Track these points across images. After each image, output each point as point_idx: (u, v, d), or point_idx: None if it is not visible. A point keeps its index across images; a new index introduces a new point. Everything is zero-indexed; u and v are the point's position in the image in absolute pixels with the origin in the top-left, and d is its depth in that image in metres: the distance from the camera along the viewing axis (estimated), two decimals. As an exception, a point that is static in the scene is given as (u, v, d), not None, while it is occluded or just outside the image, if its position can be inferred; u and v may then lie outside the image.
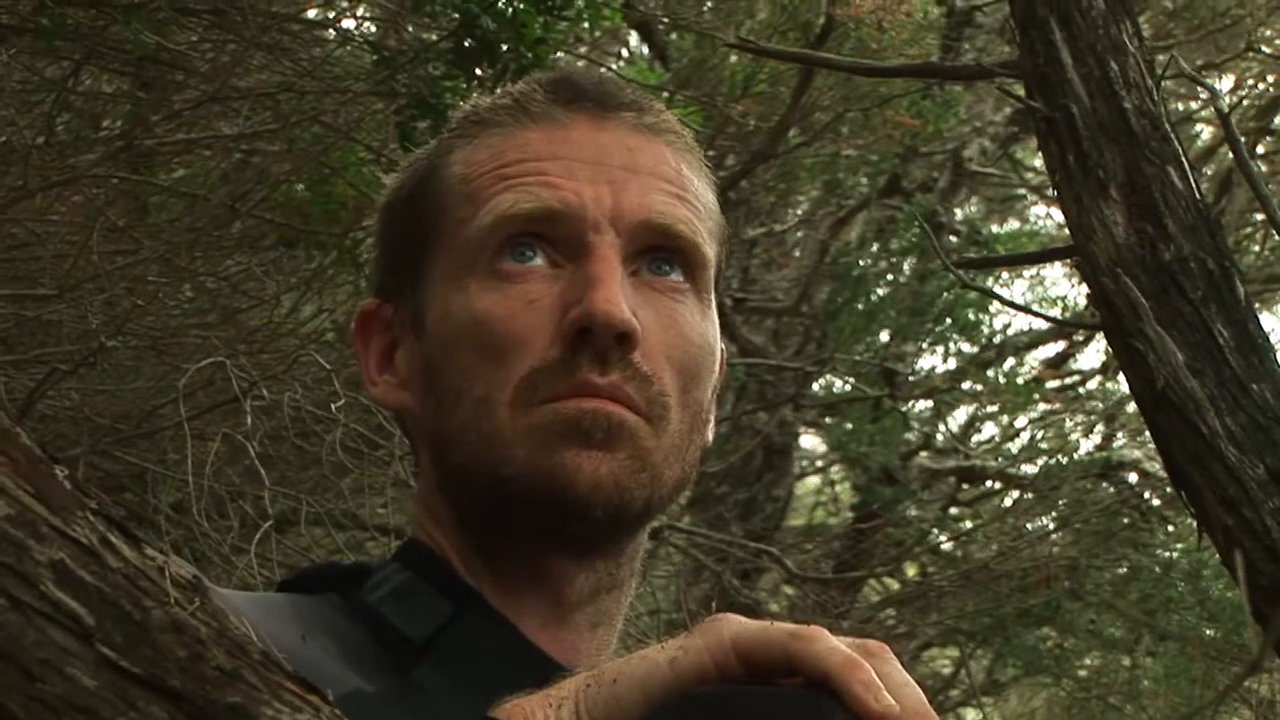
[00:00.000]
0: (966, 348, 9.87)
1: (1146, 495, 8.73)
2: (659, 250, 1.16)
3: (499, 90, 1.26)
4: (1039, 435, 9.85)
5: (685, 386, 1.15)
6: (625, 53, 9.83)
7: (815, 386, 9.88)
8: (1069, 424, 9.84)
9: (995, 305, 9.64)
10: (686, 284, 1.17)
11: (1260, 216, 8.61)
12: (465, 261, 1.15)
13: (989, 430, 10.64)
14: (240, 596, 1.12)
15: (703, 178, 1.23)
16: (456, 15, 4.34)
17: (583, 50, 7.95)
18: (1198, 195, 2.94)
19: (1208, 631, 7.51)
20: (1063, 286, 10.84)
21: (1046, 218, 11.22)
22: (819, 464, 10.99)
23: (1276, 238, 8.54)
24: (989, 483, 9.96)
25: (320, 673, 0.86)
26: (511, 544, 1.14)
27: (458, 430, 1.14)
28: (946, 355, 9.90)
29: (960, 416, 10.57)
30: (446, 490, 1.18)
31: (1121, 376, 3.27)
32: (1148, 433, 3.17)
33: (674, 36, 8.38)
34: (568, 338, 1.10)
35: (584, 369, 1.10)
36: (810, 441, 10.97)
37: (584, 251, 1.13)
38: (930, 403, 10.15)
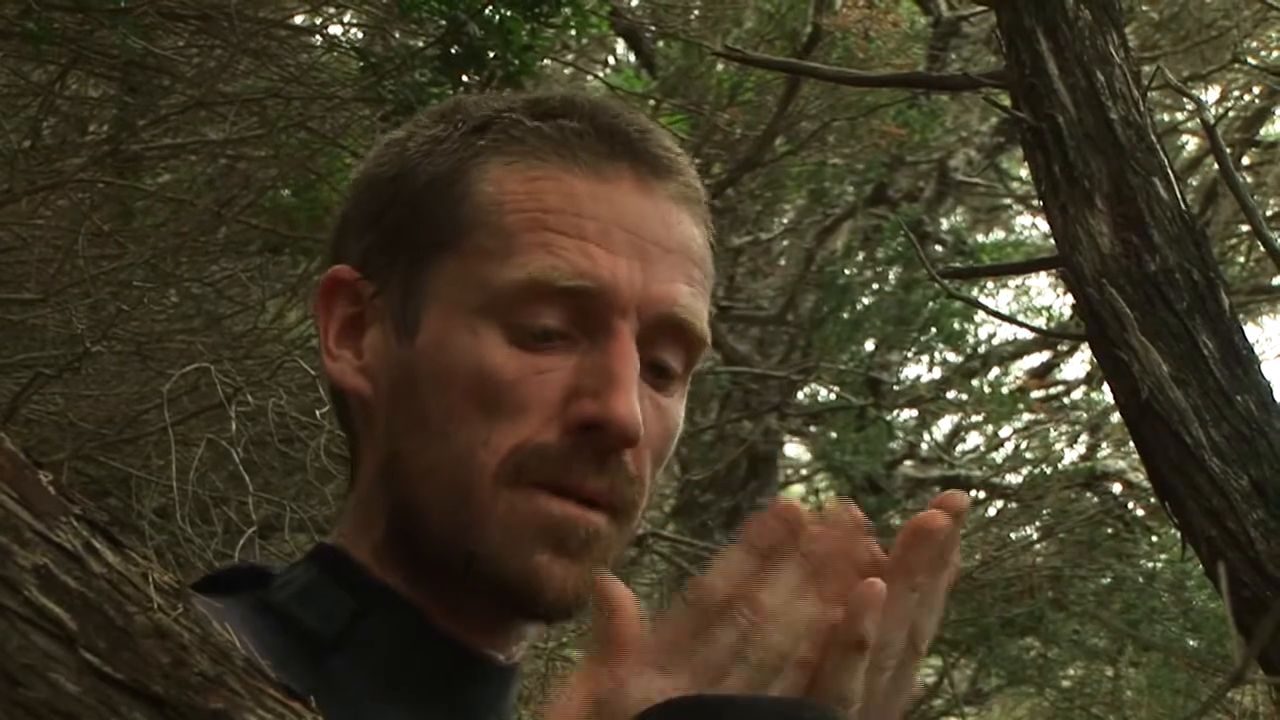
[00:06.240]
0: (951, 357, 9.89)
1: (1130, 506, 8.75)
2: (668, 339, 1.14)
3: (536, 100, 1.18)
4: (1023, 445, 9.88)
5: (654, 473, 1.15)
6: (612, 60, 9.83)
7: (800, 395, 9.90)
8: (1053, 434, 9.87)
9: (980, 315, 9.68)
10: (681, 372, 1.16)
11: (1245, 228, 8.64)
12: (483, 304, 1.11)
13: (973, 440, 10.68)
14: None
15: (709, 237, 1.20)
16: (443, 22, 4.35)
17: (569, 58, 7.96)
18: (1183, 206, 2.94)
19: (1191, 642, 7.53)
20: (1048, 296, 10.89)
21: (1032, 228, 11.27)
22: (803, 472, 11.00)
23: (1261, 249, 8.56)
24: (973, 492, 9.97)
25: None
26: (458, 589, 1.13)
27: (428, 468, 1.11)
28: (931, 365, 9.93)
29: (945, 426, 10.61)
30: (395, 515, 1.14)
31: (1106, 387, 3.27)
32: (1132, 443, 3.17)
33: (661, 44, 8.40)
34: (572, 427, 1.08)
35: (578, 469, 1.08)
36: (795, 450, 11.00)
37: (606, 334, 1.10)
38: (915, 412, 10.18)
